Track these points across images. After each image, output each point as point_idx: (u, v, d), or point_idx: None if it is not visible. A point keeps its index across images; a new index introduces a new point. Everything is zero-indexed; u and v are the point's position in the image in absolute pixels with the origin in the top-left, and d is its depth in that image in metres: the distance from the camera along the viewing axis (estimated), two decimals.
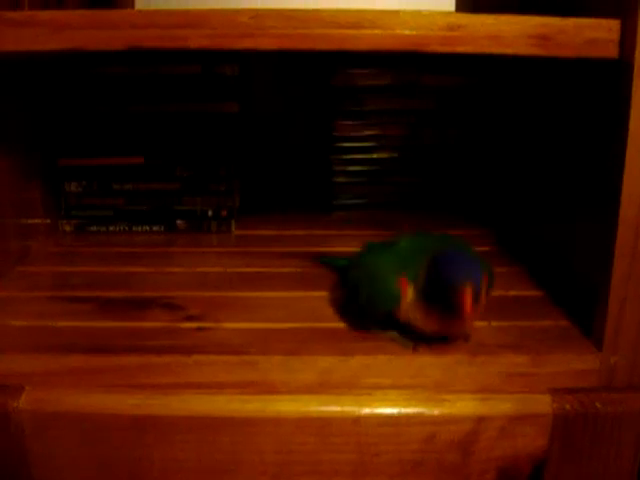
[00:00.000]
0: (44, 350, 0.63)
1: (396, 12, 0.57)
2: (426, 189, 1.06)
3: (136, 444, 0.60)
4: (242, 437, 0.60)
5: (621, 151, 0.58)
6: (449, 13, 0.58)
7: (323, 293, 0.75)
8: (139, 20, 0.56)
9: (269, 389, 0.61)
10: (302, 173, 1.11)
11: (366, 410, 0.60)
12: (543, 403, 0.61)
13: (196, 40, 0.56)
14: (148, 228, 0.97)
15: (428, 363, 0.62)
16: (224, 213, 0.96)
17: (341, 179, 1.06)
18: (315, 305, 0.72)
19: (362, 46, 0.56)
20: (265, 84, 1.09)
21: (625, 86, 0.57)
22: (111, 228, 0.97)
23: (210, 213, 0.97)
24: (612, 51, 0.58)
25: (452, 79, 1.03)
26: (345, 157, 1.05)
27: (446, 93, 1.04)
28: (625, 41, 0.57)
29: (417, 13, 0.57)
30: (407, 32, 0.57)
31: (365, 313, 0.67)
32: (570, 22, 0.57)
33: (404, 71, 1.03)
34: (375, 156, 1.06)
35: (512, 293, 0.76)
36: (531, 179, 0.89)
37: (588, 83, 0.68)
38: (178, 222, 0.97)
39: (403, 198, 1.07)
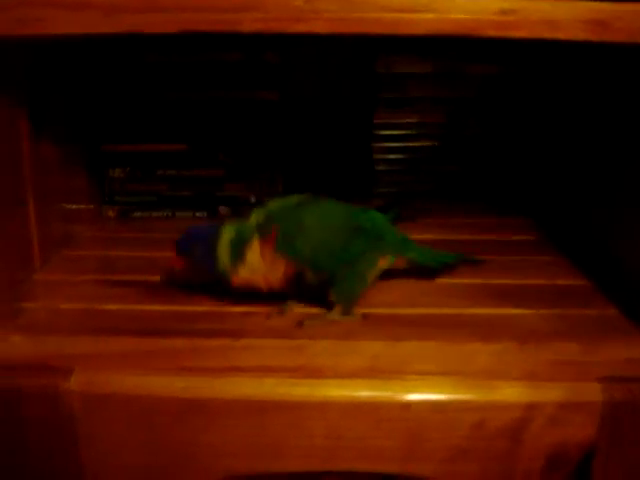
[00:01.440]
0: (93, 332, 0.63)
1: None
2: (466, 178, 1.06)
3: (184, 427, 0.61)
4: (290, 421, 0.60)
5: None
6: None
7: None
8: (193, 3, 0.56)
9: (317, 374, 0.61)
10: (342, 160, 1.11)
11: (415, 396, 0.60)
12: (593, 391, 0.60)
13: (250, 24, 0.56)
14: (191, 214, 0.98)
15: (477, 350, 0.62)
16: (266, 199, 0.96)
17: (381, 167, 1.06)
18: None
19: (417, 30, 0.56)
20: (306, 71, 1.08)
21: None
22: (154, 214, 0.98)
23: (252, 199, 0.97)
24: None
25: (494, 67, 1.02)
26: (385, 145, 1.05)
27: (488, 81, 1.03)
28: None
29: None
30: (462, 16, 0.56)
31: None
32: (628, 8, 0.57)
33: (446, 58, 1.02)
34: (416, 144, 1.05)
35: (559, 282, 0.76)
36: (574, 167, 0.89)
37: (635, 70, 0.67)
38: (220, 208, 0.97)
39: (443, 187, 1.06)
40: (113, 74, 0.97)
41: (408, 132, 1.05)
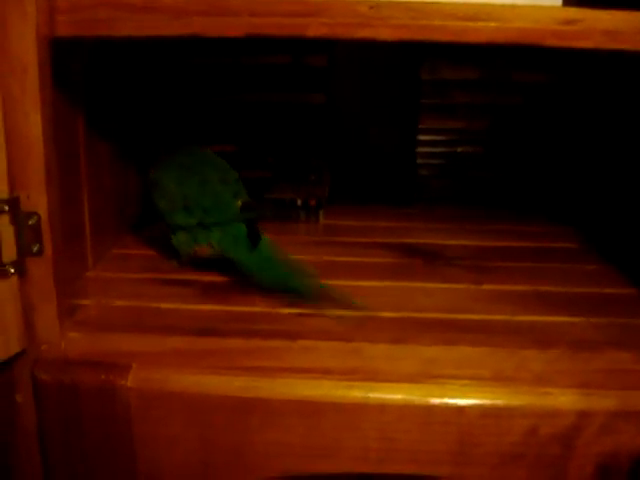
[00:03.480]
0: (149, 330, 0.64)
1: (513, 5, 0.57)
2: (510, 185, 1.06)
3: (240, 426, 0.61)
4: (345, 423, 0.61)
5: None
6: (566, 8, 0.58)
7: (416, 284, 0.76)
8: (259, 7, 0.57)
9: (373, 376, 0.62)
10: (387, 164, 1.11)
11: (468, 401, 0.61)
12: None
13: (315, 28, 0.57)
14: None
15: (531, 356, 0.62)
16: (313, 203, 0.97)
17: (425, 172, 1.06)
18: (412, 295, 0.73)
19: (480, 38, 0.57)
20: (352, 75, 1.09)
21: None
22: None
23: (299, 202, 0.98)
24: None
25: (540, 76, 1.03)
26: (429, 150, 1.06)
27: (533, 89, 1.03)
28: None
29: (534, 6, 0.57)
30: (524, 25, 0.57)
31: None
32: None
33: (492, 66, 1.03)
34: (460, 150, 1.06)
35: (607, 290, 0.76)
36: (617, 177, 0.89)
37: None
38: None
39: (486, 193, 1.06)
40: (164, 76, 0.98)
41: (452, 138, 1.06)
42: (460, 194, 1.06)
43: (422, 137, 1.06)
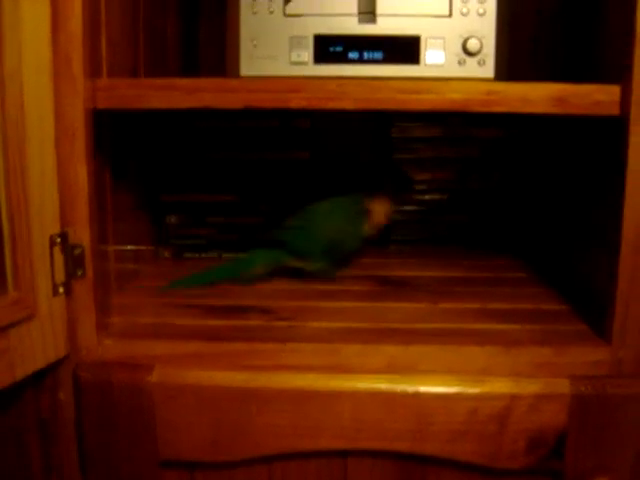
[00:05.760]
0: (168, 338, 0.80)
1: (447, 81, 0.75)
2: (471, 227, 1.22)
3: (242, 412, 0.77)
4: (326, 407, 0.76)
5: (622, 189, 0.75)
6: (488, 81, 0.76)
7: (385, 304, 0.92)
8: (253, 86, 0.75)
9: (348, 370, 0.78)
10: None
11: (423, 388, 0.76)
12: (563, 386, 0.76)
13: (296, 102, 0.75)
14: (235, 255, 1.15)
15: (473, 352, 0.78)
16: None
17: (397, 217, 1.22)
18: (381, 311, 0.90)
19: (421, 107, 0.75)
20: (333, 135, 1.27)
21: (625, 136, 0.74)
22: (204, 255, 1.16)
23: None
24: (614, 110, 0.75)
25: (494, 131, 1.20)
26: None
27: (489, 143, 1.20)
28: (624, 102, 0.74)
29: (463, 82, 0.75)
30: (455, 96, 0.75)
31: None
32: (582, 88, 0.75)
33: (453, 124, 1.20)
34: (427, 197, 1.22)
35: (543, 307, 0.92)
36: (557, 216, 1.06)
37: (597, 136, 0.85)
38: None
39: (451, 234, 1.23)
40: (173, 138, 1.15)
41: (420, 187, 1.22)
42: (428, 235, 1.22)
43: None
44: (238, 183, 1.16)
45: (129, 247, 1.02)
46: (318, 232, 1.01)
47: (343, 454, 0.79)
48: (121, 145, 0.95)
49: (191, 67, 1.23)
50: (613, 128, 0.77)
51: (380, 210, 1.03)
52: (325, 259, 1.01)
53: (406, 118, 1.20)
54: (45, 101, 0.72)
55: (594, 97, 0.75)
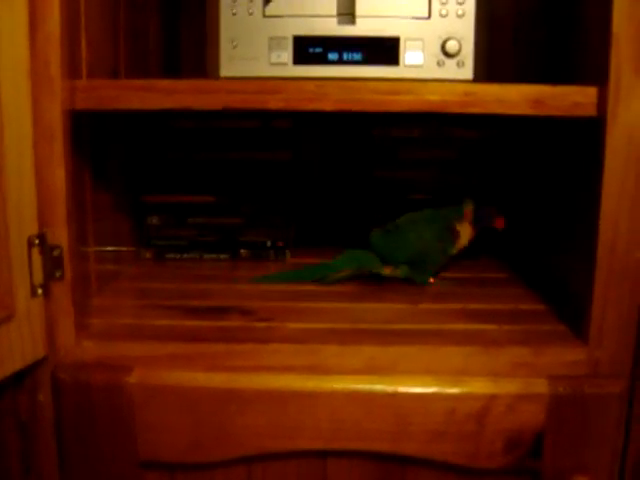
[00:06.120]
0: (147, 339, 0.80)
1: (425, 82, 0.75)
2: None
3: (222, 412, 0.77)
4: (304, 408, 0.77)
5: (598, 189, 0.76)
6: (466, 82, 0.76)
7: (365, 305, 0.93)
8: (232, 87, 0.75)
9: (327, 370, 0.78)
10: (346, 211, 1.29)
11: (401, 388, 0.77)
12: (541, 386, 0.76)
13: (275, 103, 0.75)
14: (216, 256, 1.15)
15: (452, 353, 0.79)
16: (280, 244, 1.14)
17: (379, 217, 1.23)
18: (360, 312, 0.90)
19: (400, 108, 0.75)
20: (314, 135, 1.27)
21: (602, 137, 0.75)
22: (185, 255, 1.15)
23: (269, 244, 1.15)
24: (591, 111, 0.75)
25: (474, 133, 1.20)
26: (382, 198, 1.23)
27: (468, 144, 1.21)
28: (601, 103, 0.75)
29: (441, 83, 0.75)
30: (433, 97, 0.75)
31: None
32: (558, 89, 0.75)
33: (432, 125, 1.20)
34: (408, 197, 1.23)
35: (521, 307, 0.93)
36: (537, 217, 1.07)
37: (575, 137, 0.86)
38: (241, 251, 1.15)
39: None
40: (154, 138, 1.15)
41: (401, 187, 1.22)
42: None
43: (375, 186, 1.23)
44: (219, 184, 1.16)
45: (109, 248, 1.02)
46: (406, 240, 1.02)
47: (322, 454, 0.79)
48: (101, 146, 0.95)
49: (173, 67, 1.23)
50: (590, 129, 0.77)
51: (465, 234, 1.04)
52: (409, 267, 1.02)
53: (388, 119, 1.20)
54: (23, 102, 0.72)
55: (571, 98, 0.75)
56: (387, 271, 1.02)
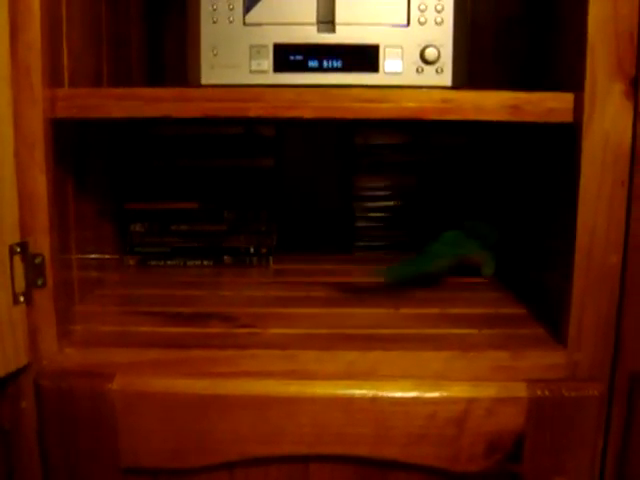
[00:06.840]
0: (129, 346, 0.81)
1: (404, 90, 0.76)
2: (435, 230, 1.23)
3: (203, 418, 0.77)
4: (285, 413, 0.77)
5: (575, 194, 0.77)
6: (443, 89, 0.77)
7: (346, 310, 0.93)
8: (212, 95, 0.76)
9: (306, 376, 0.79)
10: (328, 218, 1.30)
11: (381, 393, 0.77)
12: (520, 389, 0.77)
13: (255, 111, 0.76)
14: (199, 262, 1.16)
15: (431, 357, 0.79)
16: (264, 250, 1.15)
17: (362, 223, 1.24)
18: (341, 318, 0.90)
19: (378, 115, 0.76)
20: (297, 142, 1.28)
21: (578, 142, 0.76)
22: (168, 262, 1.16)
23: (252, 250, 1.15)
24: (568, 117, 0.76)
25: (455, 138, 1.21)
26: (365, 205, 1.23)
27: (450, 150, 1.22)
28: (577, 109, 0.76)
29: (419, 91, 0.76)
30: (411, 104, 0.76)
31: None
32: (535, 95, 0.76)
33: (416, 131, 1.21)
34: (391, 204, 1.23)
35: (501, 311, 0.94)
36: (516, 220, 1.08)
37: (553, 142, 0.87)
38: (225, 257, 1.16)
39: (415, 240, 1.23)
40: (137, 146, 1.16)
41: (384, 193, 1.23)
42: (392, 241, 1.23)
43: (359, 193, 1.23)
44: (202, 190, 1.17)
45: (93, 256, 1.02)
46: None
47: (304, 459, 0.79)
48: (84, 153, 0.95)
49: (157, 75, 1.23)
50: (567, 135, 0.78)
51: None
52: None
53: (369, 125, 1.21)
54: (4, 110, 0.73)
55: (547, 105, 0.76)
56: (477, 258, 1.09)
